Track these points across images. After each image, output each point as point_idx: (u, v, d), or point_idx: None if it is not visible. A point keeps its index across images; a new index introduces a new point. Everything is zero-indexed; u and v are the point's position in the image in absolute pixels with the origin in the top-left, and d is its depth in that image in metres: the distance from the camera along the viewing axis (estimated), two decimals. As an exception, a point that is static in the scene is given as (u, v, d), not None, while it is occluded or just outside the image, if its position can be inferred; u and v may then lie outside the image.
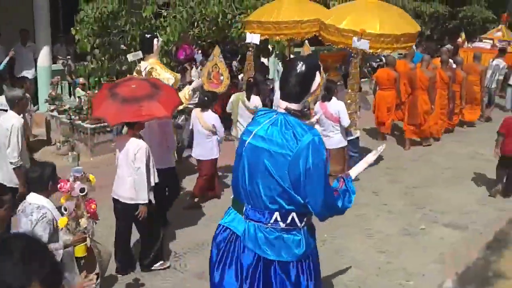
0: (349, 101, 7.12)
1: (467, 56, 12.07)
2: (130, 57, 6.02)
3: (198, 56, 10.89)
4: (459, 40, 14.20)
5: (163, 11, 8.96)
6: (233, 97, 7.38)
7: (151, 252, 4.87)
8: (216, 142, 6.43)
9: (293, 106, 2.94)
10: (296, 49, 10.51)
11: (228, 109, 7.42)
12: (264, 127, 2.93)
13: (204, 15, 8.91)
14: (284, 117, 2.91)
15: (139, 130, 4.73)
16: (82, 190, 3.63)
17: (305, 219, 2.98)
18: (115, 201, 4.76)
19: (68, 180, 3.64)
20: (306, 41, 8.19)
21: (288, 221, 2.93)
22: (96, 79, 9.00)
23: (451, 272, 5.02)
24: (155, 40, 5.55)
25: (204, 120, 6.32)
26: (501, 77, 11.81)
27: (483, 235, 5.91)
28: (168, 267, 5.02)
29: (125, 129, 7.98)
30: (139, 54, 5.81)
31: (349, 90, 7.18)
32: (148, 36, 5.69)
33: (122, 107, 4.58)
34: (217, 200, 6.72)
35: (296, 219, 2.94)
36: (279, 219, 2.92)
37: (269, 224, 2.93)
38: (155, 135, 5.12)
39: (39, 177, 3.51)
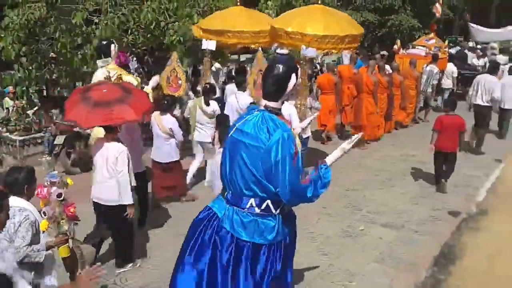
0: (299, 105, 7.53)
1: (403, 62, 12.90)
2: (100, 63, 6.07)
3: (133, 64, 10.62)
4: (395, 47, 15.03)
5: (94, 17, 8.65)
6: (190, 102, 7.63)
7: (123, 253, 5.09)
8: (175, 145, 6.61)
9: (272, 104, 3.27)
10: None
11: (186, 114, 7.61)
12: (245, 122, 3.25)
13: (138, 22, 8.71)
14: (262, 114, 3.22)
15: (117, 133, 4.84)
16: (59, 195, 3.77)
17: (280, 207, 3.26)
18: (97, 204, 4.87)
19: (45, 186, 3.79)
20: (260, 49, 8.38)
21: (263, 207, 3.24)
22: (24, 88, 8.53)
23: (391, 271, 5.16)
24: (112, 46, 5.72)
25: (163, 123, 6.48)
26: (435, 82, 12.65)
27: (428, 245, 6.08)
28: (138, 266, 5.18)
29: (58, 139, 7.58)
30: (108, 60, 5.89)
31: (299, 96, 7.54)
32: (104, 42, 5.86)
33: (94, 111, 4.58)
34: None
35: (271, 206, 3.25)
36: (254, 204, 3.23)
37: (245, 209, 3.24)
38: (124, 140, 5.09)
39: (14, 181, 3.60)
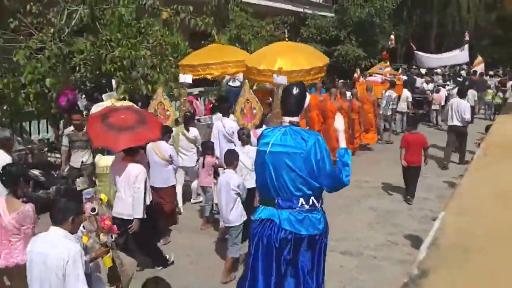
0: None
1: (362, 89, 13.92)
2: (105, 97, 6.82)
3: (82, 101, 10.37)
4: (355, 75, 16.01)
5: (39, 56, 8.44)
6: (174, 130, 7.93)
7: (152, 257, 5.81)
8: (172, 170, 6.98)
9: (294, 119, 4.06)
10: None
11: (169, 142, 7.80)
12: (277, 137, 3.97)
13: (84, 59, 8.54)
14: (290, 128, 4.00)
15: (137, 156, 5.44)
16: (93, 210, 3.99)
17: (320, 201, 4.01)
18: (119, 219, 5.20)
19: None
20: (246, 81, 9.08)
21: (310, 203, 3.93)
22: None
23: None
24: (113, 81, 6.83)
25: (161, 151, 6.77)
26: (394, 106, 13.91)
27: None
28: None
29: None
30: (113, 94, 6.83)
31: (275, 119, 7.98)
32: (104, 79, 6.88)
33: (120, 135, 5.16)
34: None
35: (315, 201, 3.95)
36: (304, 203, 3.91)
37: (297, 208, 3.90)
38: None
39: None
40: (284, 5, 20.79)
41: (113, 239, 4.07)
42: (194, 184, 8.14)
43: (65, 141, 7.60)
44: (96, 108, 6.54)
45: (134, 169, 5.27)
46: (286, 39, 10.33)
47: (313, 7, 23.77)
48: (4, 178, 4.36)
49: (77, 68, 8.93)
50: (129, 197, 5.28)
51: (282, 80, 8.05)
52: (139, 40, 8.85)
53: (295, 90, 4.12)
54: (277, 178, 3.92)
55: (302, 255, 3.94)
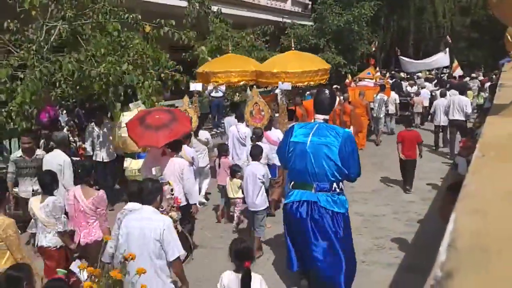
0: (282, 128, 8.88)
1: (355, 94, 14.42)
2: (132, 106, 7.79)
3: (63, 117, 10.25)
4: (347, 80, 16.72)
5: (19, 73, 8.31)
6: None
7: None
8: (193, 171, 7.15)
9: (326, 117, 5.20)
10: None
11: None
12: (315, 132, 4.97)
13: (62, 74, 8.41)
14: (324, 124, 5.08)
15: (179, 150, 6.34)
16: (172, 190, 5.21)
17: (343, 186, 5.04)
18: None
19: None
20: (254, 86, 10.05)
21: (340, 187, 4.97)
22: None
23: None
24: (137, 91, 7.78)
25: (185, 153, 7.05)
26: (388, 108, 15.00)
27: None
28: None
29: None
30: (139, 103, 7.81)
31: (282, 120, 9.11)
32: (130, 90, 7.78)
33: (158, 133, 5.89)
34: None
35: (341, 186, 5.01)
36: (336, 186, 4.92)
37: (331, 191, 4.92)
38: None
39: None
40: (263, 15, 20.96)
41: (180, 216, 5.29)
42: (205, 184, 8.77)
43: (11, 167, 6.95)
44: (124, 117, 7.51)
45: (178, 163, 6.02)
46: (293, 48, 11.60)
47: (292, 17, 24.00)
48: (80, 171, 5.39)
49: (58, 84, 8.81)
50: (176, 187, 5.75)
51: (286, 86, 9.08)
52: (120, 53, 8.79)
53: (327, 93, 5.25)
54: (317, 165, 4.85)
55: (335, 228, 4.89)
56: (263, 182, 6.43)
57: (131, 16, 8.55)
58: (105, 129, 8.65)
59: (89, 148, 8.85)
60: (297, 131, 5.08)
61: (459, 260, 0.62)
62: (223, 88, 14.28)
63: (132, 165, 7.64)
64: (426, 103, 17.02)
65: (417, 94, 17.38)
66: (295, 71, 9.67)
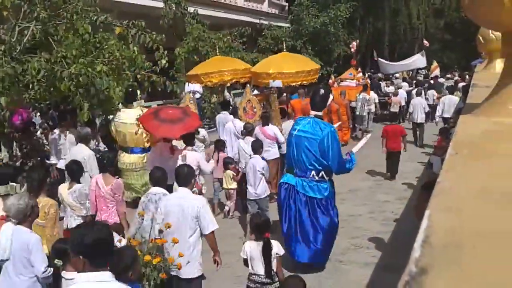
0: (276, 124, 9.54)
1: (337, 94, 14.76)
2: (135, 104, 8.27)
3: (37, 119, 10.06)
4: (330, 80, 17.41)
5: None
6: None
7: None
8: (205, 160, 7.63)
9: (319, 113, 6.06)
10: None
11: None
12: (303, 125, 5.80)
13: (30, 74, 8.22)
14: (313, 119, 5.86)
15: (193, 143, 7.14)
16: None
17: (329, 176, 5.80)
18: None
19: None
20: (248, 85, 10.63)
21: (320, 176, 5.73)
22: None
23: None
24: (138, 91, 8.22)
25: (191, 159, 7.49)
26: (370, 107, 15.75)
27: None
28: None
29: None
30: (142, 102, 8.44)
31: (275, 118, 9.70)
32: (130, 89, 8.20)
33: (174, 126, 6.59)
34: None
35: (324, 175, 5.75)
36: (314, 174, 5.72)
37: (309, 178, 5.73)
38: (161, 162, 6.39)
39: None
40: (240, 17, 20.96)
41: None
42: (202, 179, 9.35)
43: None
44: (123, 113, 8.18)
45: (192, 156, 6.73)
46: (284, 50, 12.62)
47: (269, 18, 24.07)
48: (105, 161, 6.01)
49: (31, 86, 8.63)
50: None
51: (277, 83, 9.88)
52: (95, 55, 8.65)
53: (321, 92, 6.21)
54: (297, 155, 5.70)
55: (314, 210, 5.74)
56: (263, 174, 7.15)
57: (102, 17, 8.41)
58: (72, 136, 8.15)
59: (53, 158, 8.30)
60: (295, 124, 6.04)
61: (433, 256, 0.62)
62: (200, 89, 14.25)
63: (124, 159, 8.13)
64: (403, 103, 17.85)
65: (396, 94, 18.17)
66: (290, 72, 10.65)
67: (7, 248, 3.93)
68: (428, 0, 36.65)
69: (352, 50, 20.79)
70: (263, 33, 22.30)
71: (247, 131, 8.36)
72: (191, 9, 16.07)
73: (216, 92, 14.24)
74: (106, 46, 8.78)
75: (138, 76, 8.80)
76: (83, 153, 6.90)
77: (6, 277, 3.95)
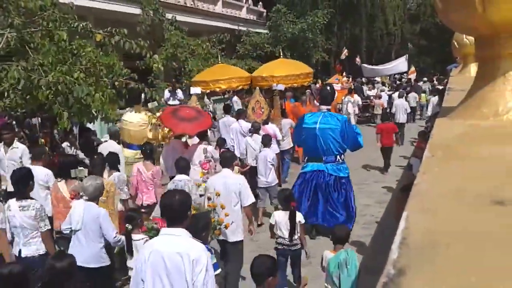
0: (276, 122, 10.65)
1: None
2: (150, 105, 9.42)
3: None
4: (317, 85, 18.52)
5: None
6: None
7: None
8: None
9: (329, 107, 7.39)
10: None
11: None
12: (321, 119, 6.99)
13: (12, 84, 8.07)
14: (327, 113, 7.16)
15: (206, 138, 8.13)
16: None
17: (344, 157, 7.29)
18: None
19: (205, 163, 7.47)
20: (257, 88, 11.54)
21: (342, 158, 7.18)
22: None
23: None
24: (142, 95, 8.69)
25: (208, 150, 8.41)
26: (354, 109, 17.13)
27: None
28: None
29: None
30: (155, 103, 9.50)
31: (275, 115, 10.96)
32: (136, 92, 8.51)
33: (191, 124, 7.67)
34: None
35: (343, 157, 7.21)
36: (339, 158, 7.10)
37: (336, 162, 7.10)
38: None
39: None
40: (219, 23, 20.95)
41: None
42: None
43: None
44: (126, 115, 8.93)
45: (209, 149, 7.77)
46: (281, 56, 14.46)
47: (248, 25, 24.12)
48: (148, 152, 7.14)
49: (6, 94, 8.46)
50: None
51: (280, 87, 11.13)
52: (72, 62, 8.54)
53: (329, 89, 7.61)
54: (325, 144, 6.94)
55: (340, 188, 7.08)
56: (272, 165, 8.29)
57: (81, 24, 8.31)
58: (15, 151, 7.52)
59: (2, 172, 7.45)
60: (307, 119, 7.15)
61: (410, 257, 0.63)
62: (180, 95, 14.19)
63: (124, 153, 8.66)
64: (386, 105, 18.86)
65: (379, 97, 19.36)
66: (280, 75, 12.20)
67: (79, 221, 4.76)
68: (404, 6, 37.28)
69: (343, 57, 22.76)
70: (242, 39, 22.34)
71: (255, 129, 9.28)
72: (169, 16, 16.01)
73: (198, 99, 14.24)
74: (83, 53, 8.68)
75: (116, 83, 8.72)
76: (114, 147, 7.86)
77: (77, 244, 4.79)
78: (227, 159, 5.93)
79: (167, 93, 13.72)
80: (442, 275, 0.59)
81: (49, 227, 5.00)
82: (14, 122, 10.01)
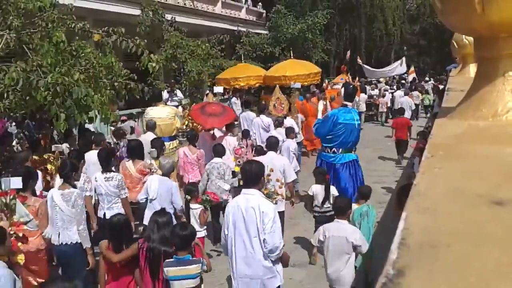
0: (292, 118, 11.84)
1: (329, 96, 16.12)
2: (169, 103, 10.67)
3: (12, 129, 9.88)
4: (324, 84, 18.64)
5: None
6: None
7: None
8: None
9: (351, 104, 8.23)
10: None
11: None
12: (346, 116, 7.59)
13: (11, 85, 8.06)
14: (351, 109, 7.95)
15: (233, 129, 9.56)
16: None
17: None
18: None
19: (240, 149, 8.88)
20: (277, 85, 12.87)
21: (353, 148, 8.02)
22: None
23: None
24: (162, 93, 10.73)
25: (230, 141, 9.38)
26: (360, 108, 17.71)
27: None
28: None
29: None
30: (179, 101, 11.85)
31: (294, 114, 12.39)
32: (157, 91, 10.05)
33: (218, 118, 9.19)
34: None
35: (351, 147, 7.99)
36: (352, 149, 7.93)
37: (352, 152, 7.93)
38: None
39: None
40: (218, 24, 20.96)
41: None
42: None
43: None
44: (152, 111, 9.72)
45: (232, 139, 9.15)
46: (292, 57, 16.35)
47: (247, 25, 24.13)
48: (189, 136, 8.45)
49: (5, 95, 8.45)
50: (230, 157, 8.53)
51: (298, 85, 12.64)
52: (72, 63, 8.53)
53: (351, 87, 8.41)
54: (347, 137, 7.61)
55: (357, 168, 7.85)
56: (294, 154, 9.29)
57: (79, 24, 8.30)
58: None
59: None
60: (342, 116, 7.63)
61: (410, 257, 0.63)
62: (180, 95, 14.20)
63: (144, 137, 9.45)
64: (390, 104, 20.03)
65: (383, 96, 20.30)
66: (291, 75, 13.63)
67: (155, 192, 5.92)
68: (403, 7, 37.27)
69: (348, 58, 23.91)
70: (242, 40, 22.35)
71: (279, 122, 10.58)
72: (168, 16, 16.02)
73: (196, 100, 14.33)
74: (83, 54, 8.67)
75: (116, 83, 8.71)
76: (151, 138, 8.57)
77: (153, 210, 5.34)
78: (272, 144, 7.33)
79: (165, 94, 13.73)
80: (441, 275, 0.59)
81: (128, 195, 6.15)
82: (14, 123, 10.02)
